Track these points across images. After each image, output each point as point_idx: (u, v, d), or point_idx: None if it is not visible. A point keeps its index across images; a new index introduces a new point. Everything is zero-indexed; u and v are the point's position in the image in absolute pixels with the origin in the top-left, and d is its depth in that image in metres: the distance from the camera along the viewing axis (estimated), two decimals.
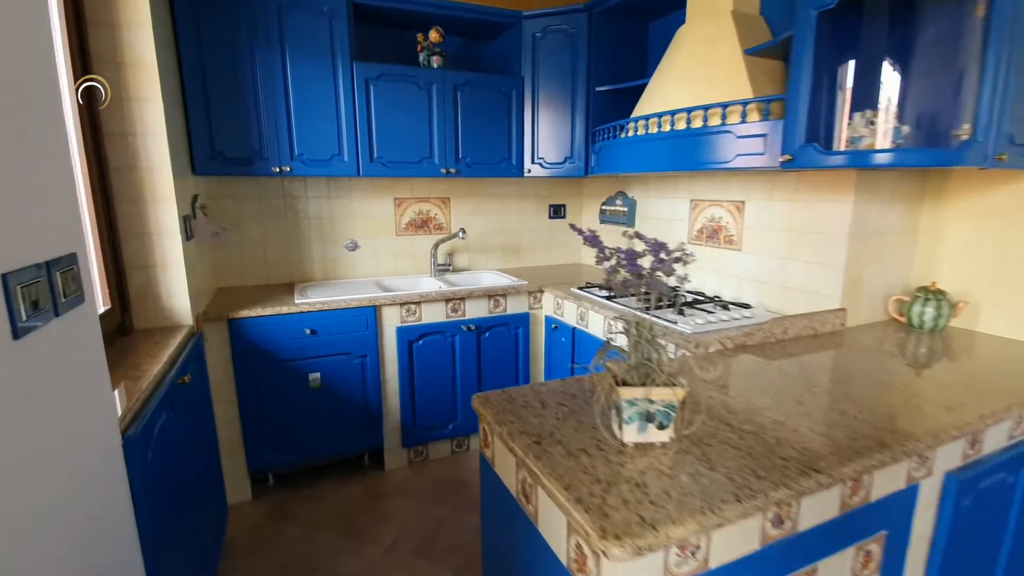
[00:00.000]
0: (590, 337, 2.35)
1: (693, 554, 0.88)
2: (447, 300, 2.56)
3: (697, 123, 1.94)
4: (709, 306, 2.14)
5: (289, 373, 2.31)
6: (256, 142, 2.35)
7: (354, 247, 2.91)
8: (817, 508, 1.02)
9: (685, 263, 0.99)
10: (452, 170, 2.71)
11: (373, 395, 2.49)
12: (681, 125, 2.01)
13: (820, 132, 1.69)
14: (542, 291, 2.75)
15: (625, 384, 1.01)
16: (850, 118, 1.61)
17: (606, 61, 2.72)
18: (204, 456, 1.91)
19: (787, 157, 1.64)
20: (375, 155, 2.55)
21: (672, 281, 0.99)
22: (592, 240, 0.98)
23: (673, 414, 1.01)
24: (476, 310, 2.63)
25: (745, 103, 1.78)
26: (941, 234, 1.98)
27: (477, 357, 2.67)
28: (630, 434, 1.02)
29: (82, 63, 1.63)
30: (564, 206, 3.42)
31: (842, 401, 1.29)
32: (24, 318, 0.79)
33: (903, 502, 1.20)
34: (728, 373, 1.50)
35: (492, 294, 2.64)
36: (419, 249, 3.07)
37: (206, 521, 1.83)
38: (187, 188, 2.13)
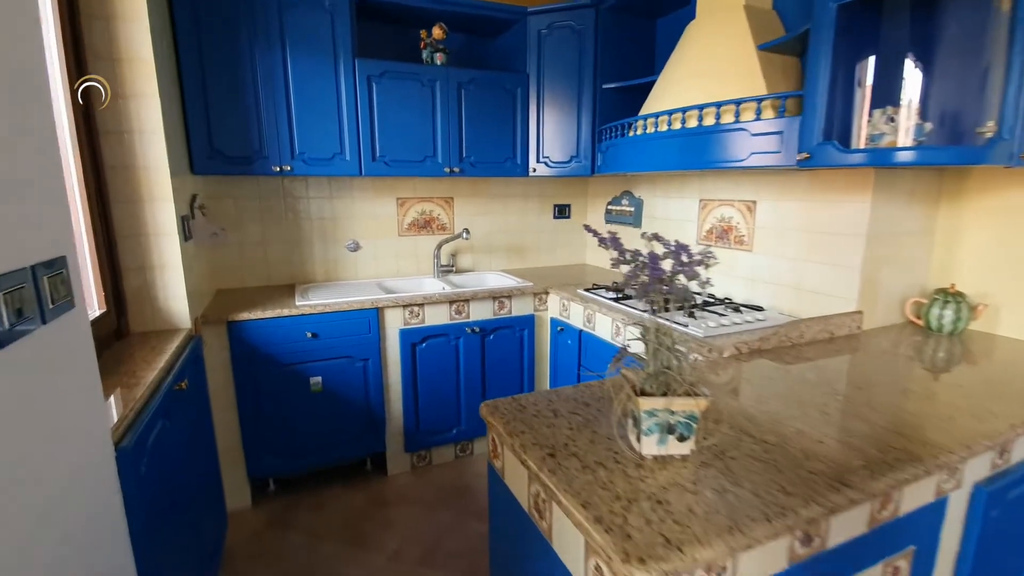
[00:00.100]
0: (597, 340, 2.30)
1: None
2: (451, 302, 2.51)
3: (709, 120, 1.89)
4: (720, 308, 2.09)
5: (290, 377, 2.26)
6: (256, 141, 2.30)
7: (356, 248, 2.86)
8: (846, 524, 0.97)
9: (707, 266, 0.94)
10: (456, 169, 2.66)
11: (376, 399, 2.44)
12: (692, 123, 1.96)
13: (835, 129, 1.64)
14: (547, 292, 2.70)
15: (644, 394, 0.96)
16: (870, 115, 1.55)
17: (613, 58, 2.67)
18: (202, 463, 1.86)
19: (805, 155, 1.58)
20: (377, 154, 2.50)
21: (694, 285, 0.94)
22: (612, 242, 0.93)
23: (695, 425, 0.96)
24: (480, 312, 2.58)
25: (760, 100, 1.73)
26: (959, 235, 1.92)
27: (481, 360, 2.62)
28: (649, 446, 0.97)
29: (76, 57, 1.58)
30: (569, 206, 3.37)
31: (866, 409, 1.23)
32: (7, 326, 0.74)
33: (932, 515, 1.15)
34: (745, 379, 1.44)
35: (496, 296, 2.59)
36: (422, 250, 3.02)
37: (204, 529, 1.78)
38: (185, 187, 2.08)
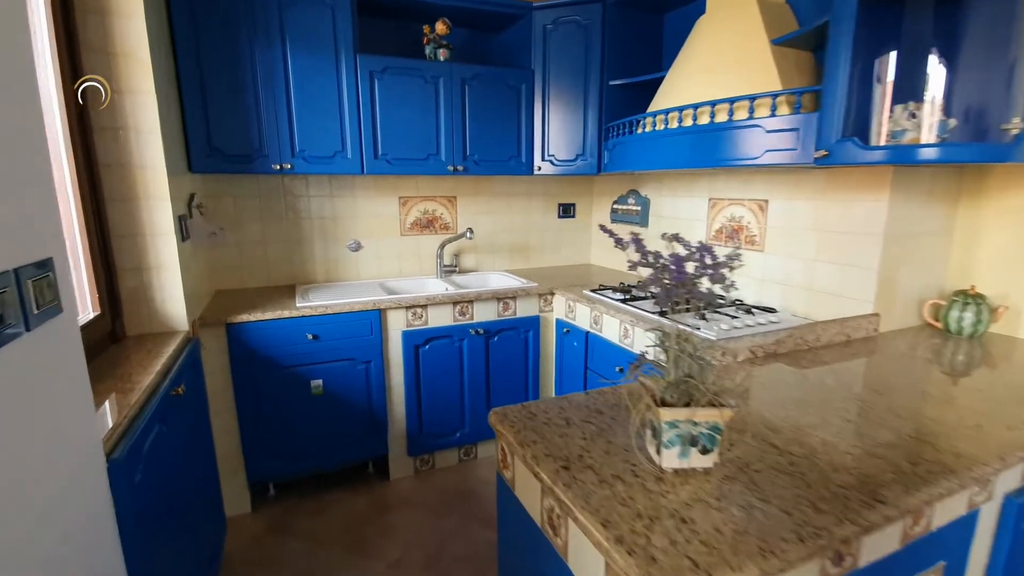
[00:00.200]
0: (605, 342, 2.25)
1: None
2: (455, 303, 2.46)
3: (722, 117, 1.84)
4: (731, 310, 2.04)
5: (290, 380, 2.21)
6: (256, 138, 2.24)
7: (357, 247, 2.81)
8: (880, 541, 0.92)
9: (731, 268, 0.89)
10: (459, 167, 2.61)
11: (378, 402, 2.39)
12: (704, 119, 1.91)
13: (853, 126, 1.58)
14: (553, 293, 2.64)
15: (664, 403, 0.91)
16: (891, 111, 1.50)
17: (620, 54, 2.61)
18: (200, 469, 1.80)
19: (823, 153, 1.53)
20: (380, 152, 2.45)
21: (718, 289, 0.88)
22: (635, 243, 0.88)
23: (719, 437, 0.91)
24: (484, 313, 2.53)
25: (775, 95, 1.68)
26: (979, 235, 1.87)
27: (486, 362, 2.57)
28: (670, 459, 0.92)
29: (69, 51, 1.53)
30: (574, 205, 3.32)
31: (891, 417, 1.18)
32: None
33: (963, 529, 1.10)
34: (762, 385, 1.39)
35: (501, 296, 2.54)
36: (424, 250, 2.96)
37: (202, 536, 1.73)
38: (183, 186, 2.03)
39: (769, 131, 1.68)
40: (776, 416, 1.18)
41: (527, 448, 1.02)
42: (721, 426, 0.90)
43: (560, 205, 3.28)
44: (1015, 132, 1.36)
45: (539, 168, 2.77)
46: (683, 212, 2.58)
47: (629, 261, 0.97)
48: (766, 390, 1.35)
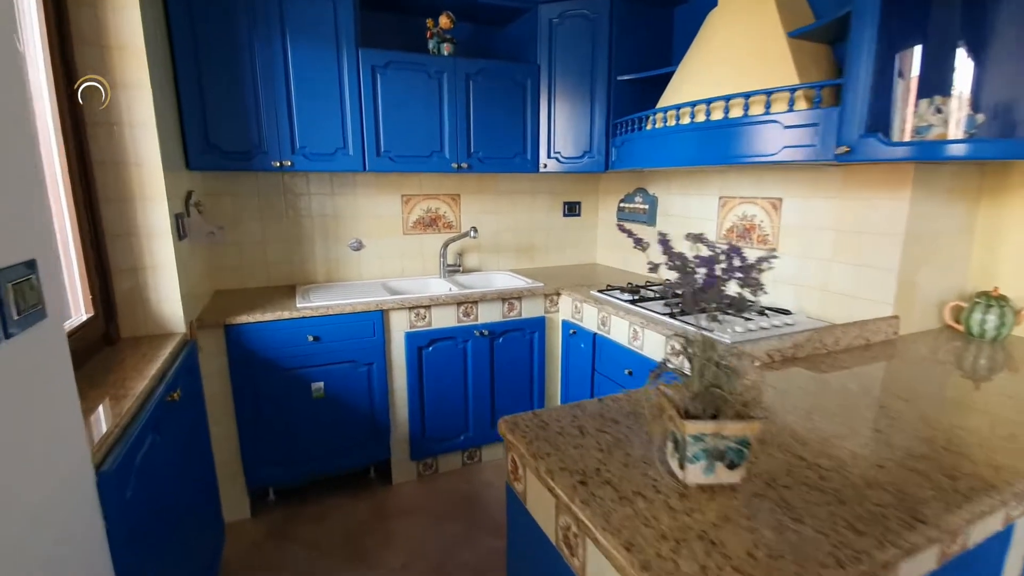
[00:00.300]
0: (613, 344, 2.19)
1: None
2: (459, 304, 2.40)
3: (736, 112, 1.78)
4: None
5: (290, 383, 2.15)
6: (255, 135, 2.18)
7: (359, 247, 2.75)
8: (918, 562, 0.86)
9: (761, 271, 0.83)
10: (464, 165, 2.55)
11: (380, 405, 2.34)
12: (718, 115, 1.85)
13: (873, 121, 1.52)
14: (559, 294, 2.59)
15: (689, 415, 0.85)
16: (915, 105, 1.44)
17: (628, 49, 2.55)
18: (197, 476, 1.75)
19: (844, 149, 1.47)
20: (382, 149, 2.39)
21: (747, 293, 0.83)
22: (663, 245, 0.82)
23: (747, 451, 0.85)
24: (489, 314, 2.47)
25: (793, 89, 1.62)
26: (1001, 234, 1.81)
27: (490, 364, 2.52)
28: (695, 475, 0.86)
29: (61, 44, 1.47)
30: (579, 203, 3.26)
31: (921, 426, 1.13)
32: None
33: (998, 545, 1.04)
34: (784, 392, 1.33)
35: (506, 297, 2.48)
36: (427, 249, 2.91)
37: (199, 544, 1.67)
38: (180, 184, 1.97)
39: (787, 127, 1.62)
40: (801, 425, 1.12)
41: (540, 460, 0.97)
42: (750, 439, 0.84)
43: (565, 203, 3.22)
44: None
45: (545, 166, 2.71)
46: (693, 211, 2.52)
47: (650, 263, 0.92)
48: (787, 397, 1.30)
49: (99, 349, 1.58)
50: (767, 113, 1.68)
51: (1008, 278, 1.78)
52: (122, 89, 1.63)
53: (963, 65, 1.42)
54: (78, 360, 1.41)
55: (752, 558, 0.71)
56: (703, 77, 2.00)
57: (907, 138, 1.44)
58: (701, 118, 1.92)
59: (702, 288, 0.80)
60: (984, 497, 0.87)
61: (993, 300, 1.71)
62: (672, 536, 0.76)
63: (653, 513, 0.81)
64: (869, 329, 1.69)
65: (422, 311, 2.34)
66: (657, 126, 2.16)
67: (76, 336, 1.41)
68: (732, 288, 0.86)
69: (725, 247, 0.81)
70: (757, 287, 0.78)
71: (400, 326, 2.32)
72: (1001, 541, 1.05)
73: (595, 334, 2.31)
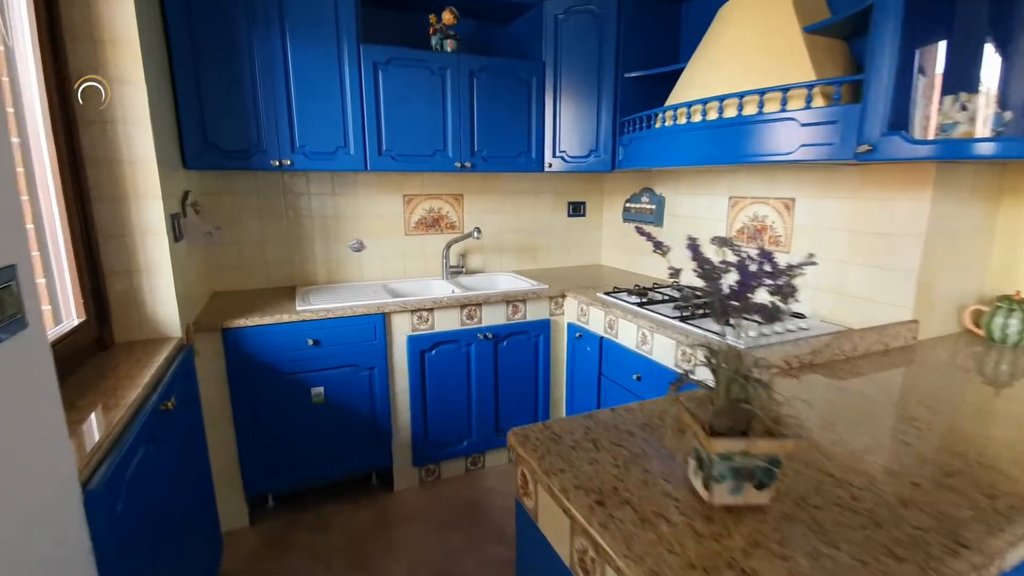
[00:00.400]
0: (620, 348, 2.13)
1: None
2: (462, 306, 2.34)
3: (751, 109, 1.72)
4: (757, 315, 1.92)
5: (290, 387, 2.10)
6: (254, 133, 2.13)
7: (360, 247, 2.70)
8: None
9: (793, 276, 0.78)
10: (467, 164, 2.49)
11: (382, 410, 2.28)
12: (730, 112, 1.79)
13: (894, 119, 1.47)
14: (564, 296, 2.53)
15: (714, 432, 0.80)
16: (940, 102, 1.38)
17: (636, 45, 2.49)
18: (193, 487, 1.70)
19: (866, 147, 1.42)
20: (384, 148, 2.33)
21: (778, 301, 0.77)
22: (692, 250, 0.77)
23: (776, 471, 0.79)
24: (493, 317, 2.42)
25: (811, 86, 1.56)
26: (1022, 236, 1.75)
27: (494, 368, 2.46)
28: (721, 495, 0.81)
29: (51, 38, 1.41)
30: (584, 203, 3.20)
31: (951, 438, 1.07)
32: None
33: None
34: (803, 401, 1.28)
35: (510, 299, 2.43)
36: (430, 250, 2.85)
37: (195, 554, 1.62)
38: (176, 183, 1.92)
39: (804, 124, 1.57)
40: (826, 438, 1.07)
41: (553, 477, 0.91)
42: (780, 459, 0.79)
43: (570, 204, 3.17)
44: None
45: (550, 165, 2.66)
46: (701, 211, 2.47)
47: (671, 268, 0.86)
48: (809, 407, 1.24)
49: (91, 355, 1.53)
50: (783, 110, 1.62)
51: None
52: (115, 85, 1.57)
53: (991, 61, 1.36)
54: (69, 367, 1.36)
55: None
56: (715, 74, 1.94)
57: (931, 136, 1.38)
58: (713, 116, 1.86)
59: (733, 296, 0.74)
60: None
61: (1016, 304, 1.66)
62: (700, 564, 0.70)
63: (678, 538, 0.75)
64: (888, 334, 1.64)
65: (425, 314, 2.29)
66: (667, 124, 2.11)
67: (66, 341, 1.36)
68: (761, 295, 0.80)
69: (755, 252, 0.76)
70: (790, 295, 0.73)
71: (402, 329, 2.26)
72: None
73: (602, 337, 2.25)
